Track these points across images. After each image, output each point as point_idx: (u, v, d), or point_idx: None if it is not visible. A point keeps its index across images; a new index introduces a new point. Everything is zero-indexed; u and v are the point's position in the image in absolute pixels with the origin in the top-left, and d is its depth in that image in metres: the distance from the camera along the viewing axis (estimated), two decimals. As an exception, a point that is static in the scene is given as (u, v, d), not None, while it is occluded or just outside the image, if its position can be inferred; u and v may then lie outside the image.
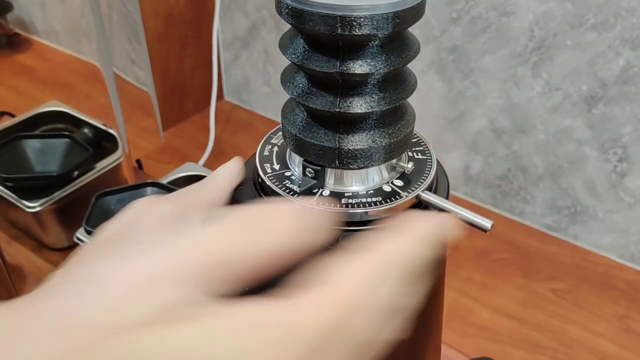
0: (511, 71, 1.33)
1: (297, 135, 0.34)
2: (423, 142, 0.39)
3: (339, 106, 0.32)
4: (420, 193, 0.35)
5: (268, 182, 0.36)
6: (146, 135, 1.41)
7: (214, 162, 1.66)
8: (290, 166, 0.37)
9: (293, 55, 0.32)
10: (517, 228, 1.42)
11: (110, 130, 0.78)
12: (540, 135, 1.33)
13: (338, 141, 0.33)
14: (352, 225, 0.34)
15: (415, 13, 0.30)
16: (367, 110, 0.32)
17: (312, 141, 0.33)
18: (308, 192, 0.35)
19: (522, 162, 1.38)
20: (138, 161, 0.94)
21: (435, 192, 0.37)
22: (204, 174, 0.72)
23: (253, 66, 1.89)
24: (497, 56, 1.35)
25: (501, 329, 1.24)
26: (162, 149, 1.70)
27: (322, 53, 0.31)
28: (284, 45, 0.33)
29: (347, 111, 0.32)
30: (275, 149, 0.39)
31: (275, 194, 0.36)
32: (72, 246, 0.72)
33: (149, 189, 0.68)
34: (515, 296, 1.29)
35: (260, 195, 0.37)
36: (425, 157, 0.38)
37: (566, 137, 1.30)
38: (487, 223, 0.33)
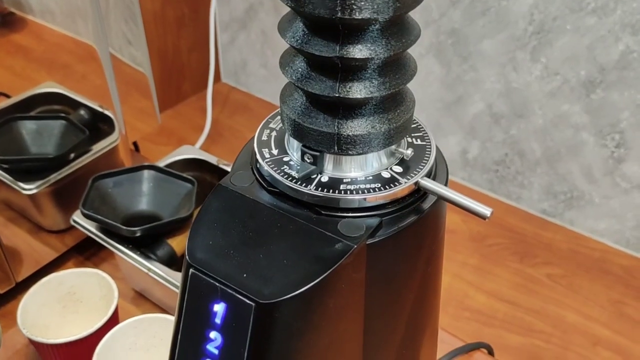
0: (510, 55, 1.32)
1: (296, 120, 0.34)
2: (422, 127, 0.39)
3: (338, 91, 0.32)
4: (419, 180, 0.35)
5: (266, 167, 0.36)
6: (143, 117, 1.40)
7: (210, 145, 1.66)
8: (288, 151, 0.37)
9: (292, 39, 0.32)
10: (514, 213, 1.43)
11: (107, 112, 0.77)
12: (538, 120, 1.33)
13: (337, 126, 0.33)
14: (351, 212, 0.34)
15: (416, -4, 0.30)
16: (367, 96, 0.32)
17: (310, 126, 0.33)
18: (307, 177, 0.35)
19: (519, 147, 1.38)
20: (135, 143, 0.94)
21: (434, 179, 0.36)
22: (201, 157, 0.72)
23: (250, 48, 1.88)
24: (496, 40, 1.34)
25: (496, 313, 1.24)
26: (158, 131, 1.70)
27: (322, 37, 0.31)
28: (283, 28, 0.33)
29: (347, 96, 0.32)
30: (274, 133, 0.38)
31: (273, 179, 0.35)
32: (69, 228, 0.71)
33: (145, 172, 0.67)
34: (510, 281, 1.30)
35: (258, 181, 0.36)
36: (424, 142, 0.38)
37: (564, 122, 1.29)
38: (486, 211, 0.33)
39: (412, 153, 0.36)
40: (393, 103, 0.34)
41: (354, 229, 0.33)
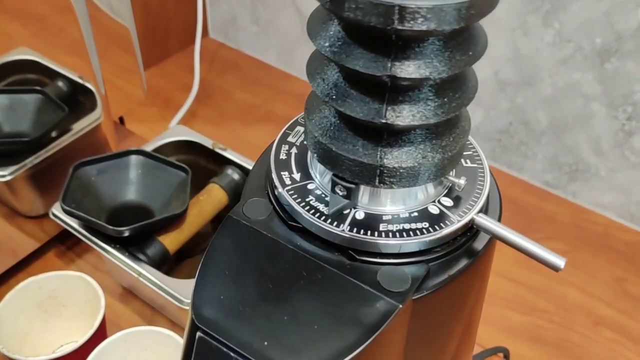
0: (521, 19, 1.24)
1: (327, 145, 0.27)
2: (471, 144, 0.33)
3: (385, 116, 0.25)
4: (475, 217, 0.29)
5: (287, 198, 0.29)
6: (125, 74, 1.31)
7: (199, 106, 1.57)
8: (313, 175, 0.31)
9: (327, 48, 0.25)
10: (516, 184, 1.38)
11: (88, 85, 0.69)
12: (546, 88, 1.27)
13: (380, 156, 0.26)
14: (392, 258, 0.28)
15: (491, 1, 0.23)
16: (421, 122, 0.25)
17: (346, 155, 0.27)
18: (338, 213, 0.29)
19: (525, 116, 1.32)
20: (121, 118, 0.86)
21: (486, 212, 0.30)
22: (194, 139, 0.65)
23: (241, 2, 1.77)
24: (506, 2, 1.26)
25: (497, 291, 1.21)
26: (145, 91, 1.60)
27: (368, 49, 0.24)
28: (314, 30, 0.26)
29: (395, 122, 0.25)
30: (294, 150, 0.32)
31: (296, 212, 0.29)
32: (48, 214, 0.64)
33: (133, 158, 0.61)
34: (512, 257, 1.25)
35: (276, 211, 0.30)
36: (475, 165, 0.31)
37: (574, 91, 1.23)
38: (560, 261, 0.27)
39: (466, 182, 0.29)
40: (448, 126, 0.27)
41: (397, 282, 0.27)
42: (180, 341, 0.48)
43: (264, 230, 0.29)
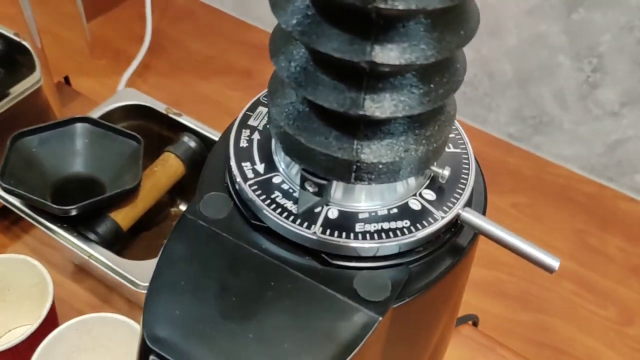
0: (485, -35, 1.20)
1: (294, 136, 0.24)
2: (454, 126, 0.29)
3: (362, 106, 0.21)
4: (461, 212, 0.26)
5: (250, 194, 0.26)
6: (68, 22, 1.22)
7: (152, 59, 1.49)
8: (278, 165, 0.27)
9: (294, 26, 0.21)
10: (479, 136, 1.37)
11: (25, 43, 0.63)
12: (512, 39, 1.24)
13: (356, 151, 0.23)
14: (369, 261, 0.25)
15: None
16: (404, 113, 0.22)
17: (317, 148, 0.23)
18: (308, 211, 0.25)
19: (489, 67, 1.29)
20: (66, 78, 0.80)
21: (470, 204, 0.27)
22: (145, 104, 0.60)
23: (192, -57, 1.66)
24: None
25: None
26: (91, 43, 1.50)
27: (344, 29, 0.20)
28: (278, 3, 0.22)
29: (374, 115, 0.21)
30: (256, 136, 0.28)
31: (260, 211, 0.26)
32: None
33: (78, 126, 0.55)
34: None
35: (237, 208, 0.27)
36: (459, 150, 0.28)
37: (540, 42, 1.21)
38: (554, 262, 0.24)
39: (450, 172, 0.26)
40: (432, 114, 0.24)
41: (376, 289, 0.24)
42: (137, 327, 0.45)
43: (224, 231, 0.26)
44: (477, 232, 0.26)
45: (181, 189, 0.60)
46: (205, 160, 0.59)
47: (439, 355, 0.35)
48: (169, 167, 0.56)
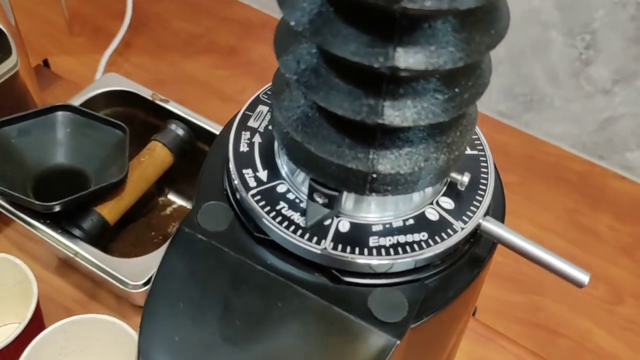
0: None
1: (303, 144, 0.21)
2: (469, 125, 0.27)
3: (382, 114, 0.19)
4: (482, 222, 0.24)
5: (253, 204, 0.24)
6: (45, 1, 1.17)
7: (134, 36, 1.44)
8: (282, 171, 0.25)
9: (305, 24, 0.19)
10: (468, 113, 1.35)
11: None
12: (500, 12, 1.21)
13: (372, 161, 0.21)
14: (384, 277, 0.23)
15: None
16: (428, 122, 0.20)
17: (328, 158, 0.21)
18: (317, 224, 0.23)
19: (478, 41, 1.27)
20: (45, 61, 0.76)
21: (488, 212, 0.26)
22: (130, 89, 0.57)
23: None
24: None
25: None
26: (69, 20, 1.45)
27: (363, 30, 0.18)
28: (287, 1, 0.19)
29: (393, 124, 0.19)
30: (257, 139, 0.26)
31: (264, 224, 0.23)
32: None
33: (59, 115, 0.52)
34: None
35: (239, 219, 0.24)
36: (476, 151, 0.26)
37: (533, 18, 1.19)
38: (584, 277, 0.23)
39: (469, 179, 0.24)
40: (455, 119, 0.22)
41: (392, 309, 0.22)
42: (125, 328, 0.43)
43: (225, 246, 0.23)
44: (498, 242, 0.24)
45: (169, 178, 0.57)
46: (194, 148, 0.57)
47: (452, 356, 0.33)
48: (156, 156, 0.54)
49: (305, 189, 0.24)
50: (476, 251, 0.25)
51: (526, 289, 1.09)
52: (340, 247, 0.22)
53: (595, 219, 1.21)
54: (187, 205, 0.60)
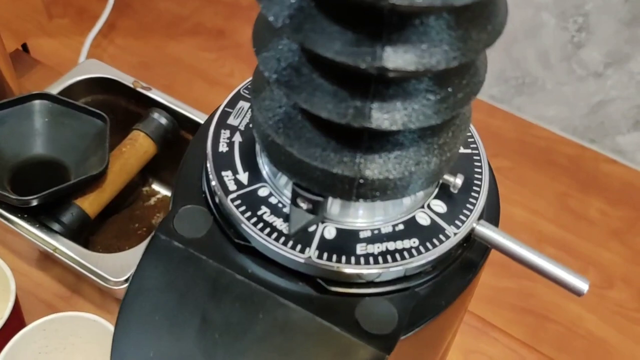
0: None
1: (285, 147, 0.20)
2: (462, 122, 0.26)
3: (369, 118, 0.18)
4: (475, 226, 0.23)
5: (232, 210, 0.22)
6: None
7: (118, 18, 1.41)
8: (263, 173, 0.23)
9: (284, 19, 0.17)
10: (459, 97, 1.33)
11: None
12: (491, -7, 1.19)
13: (359, 166, 0.19)
14: (372, 287, 0.22)
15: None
16: (418, 125, 0.18)
17: (312, 163, 0.20)
18: (301, 231, 0.22)
19: (469, 23, 1.25)
20: (24, 45, 0.73)
21: (482, 215, 0.24)
22: (111, 76, 0.55)
23: None
24: None
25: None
26: (49, 1, 1.41)
27: (348, 27, 0.16)
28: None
29: (381, 127, 0.18)
30: (237, 138, 0.24)
31: (245, 231, 0.22)
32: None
33: (37, 104, 0.50)
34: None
35: (218, 225, 0.23)
36: (469, 150, 0.25)
37: (525, 1, 1.17)
38: (583, 285, 0.22)
39: (462, 181, 0.23)
40: (447, 120, 0.20)
41: (381, 320, 0.21)
42: (107, 326, 0.42)
43: (203, 254, 0.22)
44: (493, 247, 0.23)
45: (153, 167, 0.56)
46: (178, 138, 0.55)
47: (446, 354, 0.32)
48: (138, 146, 0.52)
49: (288, 192, 0.22)
50: (469, 256, 0.24)
51: (517, 274, 1.08)
52: (325, 255, 0.21)
53: (586, 203, 1.21)
54: (171, 195, 0.58)
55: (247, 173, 0.23)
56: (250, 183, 0.23)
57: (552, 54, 1.16)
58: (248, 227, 0.22)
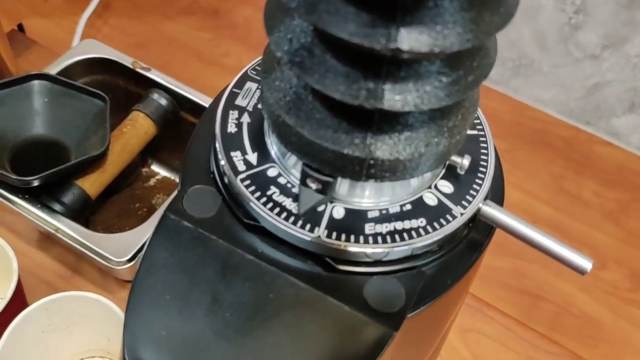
0: None
1: (296, 128, 0.20)
2: (468, 103, 0.26)
3: (381, 99, 0.18)
4: (482, 206, 0.23)
5: (242, 189, 0.22)
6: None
7: (111, 2, 1.40)
8: (272, 153, 0.24)
9: (296, 1, 0.17)
10: (456, 78, 1.33)
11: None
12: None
13: (370, 147, 0.20)
14: (380, 265, 0.22)
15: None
16: (430, 106, 0.18)
17: (323, 143, 0.20)
18: (310, 211, 0.22)
19: (466, 4, 1.24)
20: (20, 26, 0.72)
21: (488, 196, 0.25)
22: (110, 57, 0.55)
23: None
24: None
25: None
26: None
27: (363, 8, 0.16)
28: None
29: (393, 108, 0.18)
30: (246, 119, 0.24)
31: (254, 211, 0.22)
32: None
33: (36, 84, 0.50)
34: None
35: (227, 205, 0.23)
36: (475, 131, 0.25)
37: (521, -20, 1.16)
38: (586, 264, 0.22)
39: (469, 162, 0.23)
40: (457, 102, 0.21)
41: (389, 298, 0.21)
42: (109, 305, 0.42)
43: (213, 233, 0.22)
44: (498, 227, 0.23)
45: (153, 148, 0.56)
46: (177, 118, 0.55)
47: (447, 335, 0.33)
48: (139, 127, 0.52)
49: (296, 172, 0.23)
50: (474, 236, 0.24)
51: (511, 254, 1.09)
52: (334, 234, 0.21)
53: (581, 185, 1.22)
54: (171, 176, 0.58)
55: (256, 153, 0.23)
56: (259, 163, 0.23)
57: (549, 35, 1.16)
58: (258, 207, 0.22)
